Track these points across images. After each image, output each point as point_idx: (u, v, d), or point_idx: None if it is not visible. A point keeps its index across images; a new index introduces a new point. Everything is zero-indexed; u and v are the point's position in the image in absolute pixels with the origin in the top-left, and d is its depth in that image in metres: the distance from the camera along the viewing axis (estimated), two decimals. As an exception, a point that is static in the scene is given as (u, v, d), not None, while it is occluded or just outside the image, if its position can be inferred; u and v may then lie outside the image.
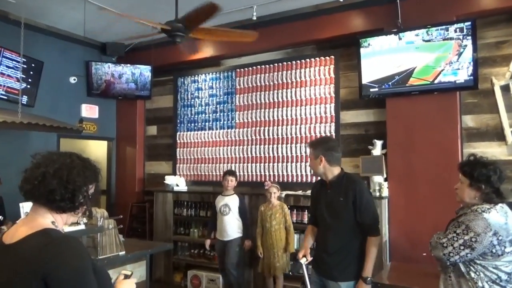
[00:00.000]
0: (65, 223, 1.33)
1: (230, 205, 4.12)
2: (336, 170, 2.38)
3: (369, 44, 4.03)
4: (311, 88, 4.59)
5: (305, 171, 4.54)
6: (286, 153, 4.69)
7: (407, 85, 3.88)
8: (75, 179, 1.29)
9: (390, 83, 3.94)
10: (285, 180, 4.65)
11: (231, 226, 4.09)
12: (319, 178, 2.53)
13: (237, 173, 4.60)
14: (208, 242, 4.36)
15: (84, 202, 1.32)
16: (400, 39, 3.90)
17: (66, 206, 1.30)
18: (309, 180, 4.53)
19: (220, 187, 5.11)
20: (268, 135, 4.83)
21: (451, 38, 3.68)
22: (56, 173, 1.27)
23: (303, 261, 2.44)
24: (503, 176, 1.97)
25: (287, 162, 4.68)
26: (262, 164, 4.84)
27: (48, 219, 1.29)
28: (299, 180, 4.58)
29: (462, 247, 1.85)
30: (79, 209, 1.32)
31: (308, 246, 2.50)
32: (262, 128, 4.88)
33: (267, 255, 3.93)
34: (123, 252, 3.22)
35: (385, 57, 3.96)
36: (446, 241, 1.88)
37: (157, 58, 5.36)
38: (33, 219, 1.29)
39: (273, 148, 4.79)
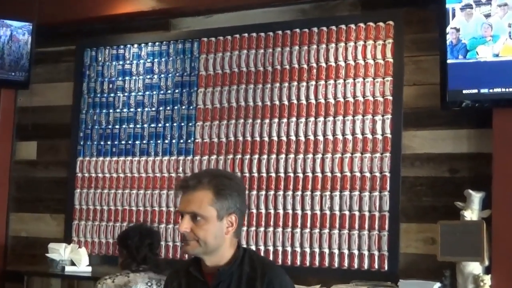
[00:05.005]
0: None
1: None
2: (233, 247, 2.43)
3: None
4: (348, 83, 4.57)
5: (346, 246, 4.46)
6: (294, 207, 4.63)
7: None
8: None
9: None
10: (293, 262, 4.59)
11: None
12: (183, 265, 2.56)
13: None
14: None
15: None
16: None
17: None
18: (344, 264, 4.45)
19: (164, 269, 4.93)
20: (260, 171, 4.81)
21: None
22: None
23: None
24: (150, 244, 3.56)
25: (293, 227, 4.61)
26: (248, 229, 4.75)
27: None
28: (325, 263, 4.50)
29: None
30: None
31: None
32: (247, 157, 4.85)
33: None
34: None
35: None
36: None
37: (45, 8, 5.32)
38: None
39: (267, 196, 4.76)
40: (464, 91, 4.03)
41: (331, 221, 4.50)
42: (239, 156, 4.84)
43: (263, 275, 2.34)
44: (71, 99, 5.58)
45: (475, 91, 4.01)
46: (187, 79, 5.10)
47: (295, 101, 4.70)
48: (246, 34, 4.91)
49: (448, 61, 4.06)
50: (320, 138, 4.59)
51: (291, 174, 4.66)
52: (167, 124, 5.14)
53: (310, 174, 4.60)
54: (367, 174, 4.43)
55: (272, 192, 4.71)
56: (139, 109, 5.26)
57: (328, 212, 4.52)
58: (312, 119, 4.63)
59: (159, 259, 3.68)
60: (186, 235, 2.30)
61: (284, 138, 4.70)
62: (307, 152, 4.62)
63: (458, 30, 4.04)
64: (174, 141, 5.10)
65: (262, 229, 4.70)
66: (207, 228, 2.29)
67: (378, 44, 4.50)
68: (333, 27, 4.63)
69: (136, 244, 3.53)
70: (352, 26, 4.57)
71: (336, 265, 4.45)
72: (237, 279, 2.36)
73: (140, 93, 5.28)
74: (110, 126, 5.37)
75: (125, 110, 5.32)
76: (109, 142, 5.36)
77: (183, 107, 5.09)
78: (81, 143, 5.46)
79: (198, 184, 2.32)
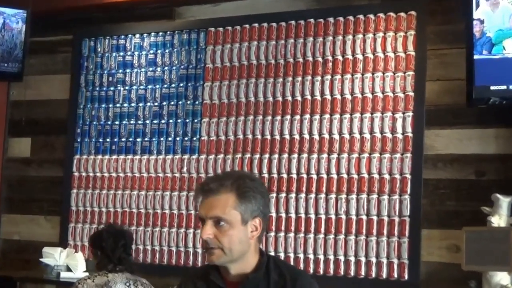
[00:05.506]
0: None
1: None
2: (257, 253, 2.44)
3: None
4: (366, 77, 4.57)
5: (362, 253, 4.46)
6: (307, 211, 4.62)
7: None
8: None
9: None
10: (306, 270, 4.51)
11: None
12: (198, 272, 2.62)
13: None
14: None
15: None
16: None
17: None
18: (361, 272, 4.44)
19: (166, 276, 4.91)
20: (270, 171, 4.82)
21: None
22: None
23: None
24: (124, 245, 3.84)
25: (306, 232, 4.60)
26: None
27: None
28: (340, 271, 4.49)
29: None
30: None
31: None
32: (257, 156, 4.84)
33: None
34: None
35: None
36: None
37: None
38: None
39: (278, 199, 4.75)
40: (491, 88, 3.98)
41: (347, 226, 4.48)
42: (248, 155, 4.83)
43: (293, 282, 2.33)
44: (67, 92, 5.57)
45: (504, 87, 3.96)
46: (193, 72, 5.09)
47: (309, 97, 4.68)
48: (256, 24, 4.89)
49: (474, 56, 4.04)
50: (336, 136, 4.58)
51: (304, 175, 4.64)
52: (170, 120, 5.13)
53: (324, 176, 4.59)
54: (386, 176, 4.42)
55: (283, 195, 4.70)
56: (140, 104, 5.24)
57: (343, 217, 4.51)
58: (327, 116, 4.62)
59: (132, 259, 4.01)
60: (209, 241, 2.28)
61: (296, 136, 4.69)
62: (321, 151, 4.61)
63: (482, 21, 4.00)
64: (178, 138, 5.08)
65: (272, 234, 4.68)
66: (232, 234, 2.28)
67: (399, 36, 4.47)
68: (351, 17, 4.61)
69: (111, 246, 3.80)
70: (371, 16, 4.55)
71: (352, 273, 4.44)
72: (264, 287, 2.36)
73: (142, 87, 5.26)
74: (109, 122, 5.36)
75: (125, 105, 5.30)
76: (108, 139, 5.34)
77: (188, 102, 5.07)
78: (78, 140, 5.44)
79: (221, 186, 2.31)
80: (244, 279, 2.35)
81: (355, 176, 4.50)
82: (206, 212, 2.29)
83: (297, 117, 4.70)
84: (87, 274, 5.02)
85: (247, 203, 2.30)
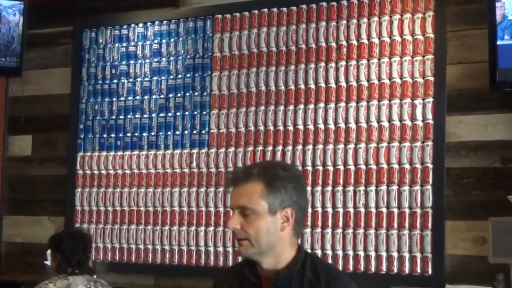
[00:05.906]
0: None
1: None
2: (293, 248, 2.44)
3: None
4: (383, 62, 4.56)
5: (383, 248, 4.45)
6: (324, 205, 4.61)
7: None
8: None
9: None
10: (336, 267, 4.46)
11: None
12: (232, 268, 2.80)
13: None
14: None
15: None
16: None
17: None
18: (383, 268, 4.43)
19: (177, 277, 4.89)
20: None
21: None
22: None
23: None
24: (83, 248, 3.96)
25: (324, 226, 4.59)
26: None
27: None
28: (360, 267, 4.49)
29: None
30: None
31: None
32: (269, 148, 4.85)
33: None
34: None
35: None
36: None
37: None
38: None
39: None
40: (517, 70, 4.00)
41: (366, 220, 4.48)
42: (260, 147, 4.82)
43: (327, 283, 2.34)
44: (69, 87, 5.58)
45: (532, 69, 3.99)
46: (200, 62, 5.09)
47: (322, 84, 4.67)
48: (265, 10, 4.88)
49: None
50: (352, 125, 4.57)
51: (320, 167, 4.64)
52: (178, 113, 5.12)
53: (341, 167, 4.58)
54: (407, 166, 4.40)
55: (299, 189, 4.68)
56: (146, 97, 5.25)
57: (362, 210, 4.50)
58: (342, 104, 4.61)
59: (91, 262, 4.25)
60: (236, 232, 2.33)
61: (311, 127, 4.69)
62: (337, 142, 4.61)
63: (503, 3, 3.98)
64: (186, 132, 5.09)
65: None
66: (259, 224, 2.31)
67: (417, 18, 4.46)
68: (365, 0, 4.61)
69: (70, 249, 3.93)
70: (387, -3, 4.58)
71: (373, 269, 4.44)
72: (297, 285, 2.36)
73: (147, 79, 5.26)
74: (113, 117, 5.36)
75: (130, 98, 5.31)
76: (112, 135, 5.35)
77: (196, 93, 5.07)
78: (81, 136, 5.46)
79: (248, 175, 2.36)
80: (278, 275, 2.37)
81: (374, 166, 4.49)
82: (233, 201, 2.36)
83: (311, 106, 4.69)
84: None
85: (275, 193, 2.32)
